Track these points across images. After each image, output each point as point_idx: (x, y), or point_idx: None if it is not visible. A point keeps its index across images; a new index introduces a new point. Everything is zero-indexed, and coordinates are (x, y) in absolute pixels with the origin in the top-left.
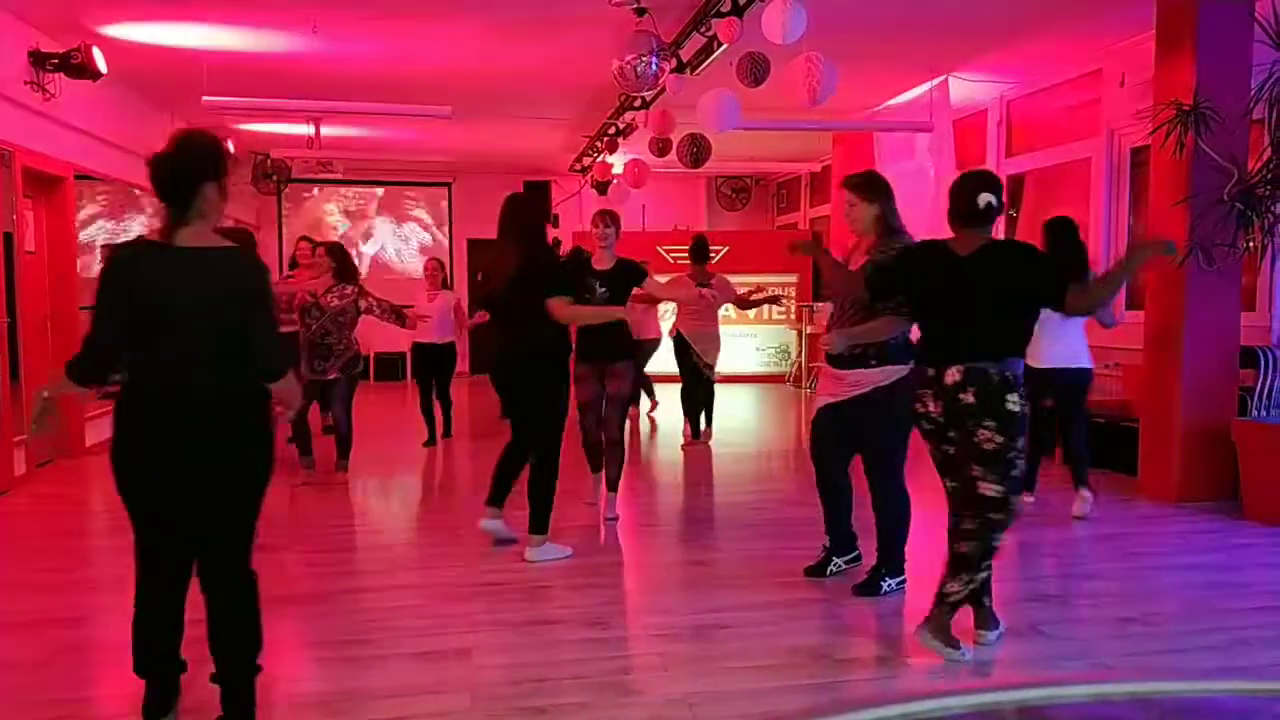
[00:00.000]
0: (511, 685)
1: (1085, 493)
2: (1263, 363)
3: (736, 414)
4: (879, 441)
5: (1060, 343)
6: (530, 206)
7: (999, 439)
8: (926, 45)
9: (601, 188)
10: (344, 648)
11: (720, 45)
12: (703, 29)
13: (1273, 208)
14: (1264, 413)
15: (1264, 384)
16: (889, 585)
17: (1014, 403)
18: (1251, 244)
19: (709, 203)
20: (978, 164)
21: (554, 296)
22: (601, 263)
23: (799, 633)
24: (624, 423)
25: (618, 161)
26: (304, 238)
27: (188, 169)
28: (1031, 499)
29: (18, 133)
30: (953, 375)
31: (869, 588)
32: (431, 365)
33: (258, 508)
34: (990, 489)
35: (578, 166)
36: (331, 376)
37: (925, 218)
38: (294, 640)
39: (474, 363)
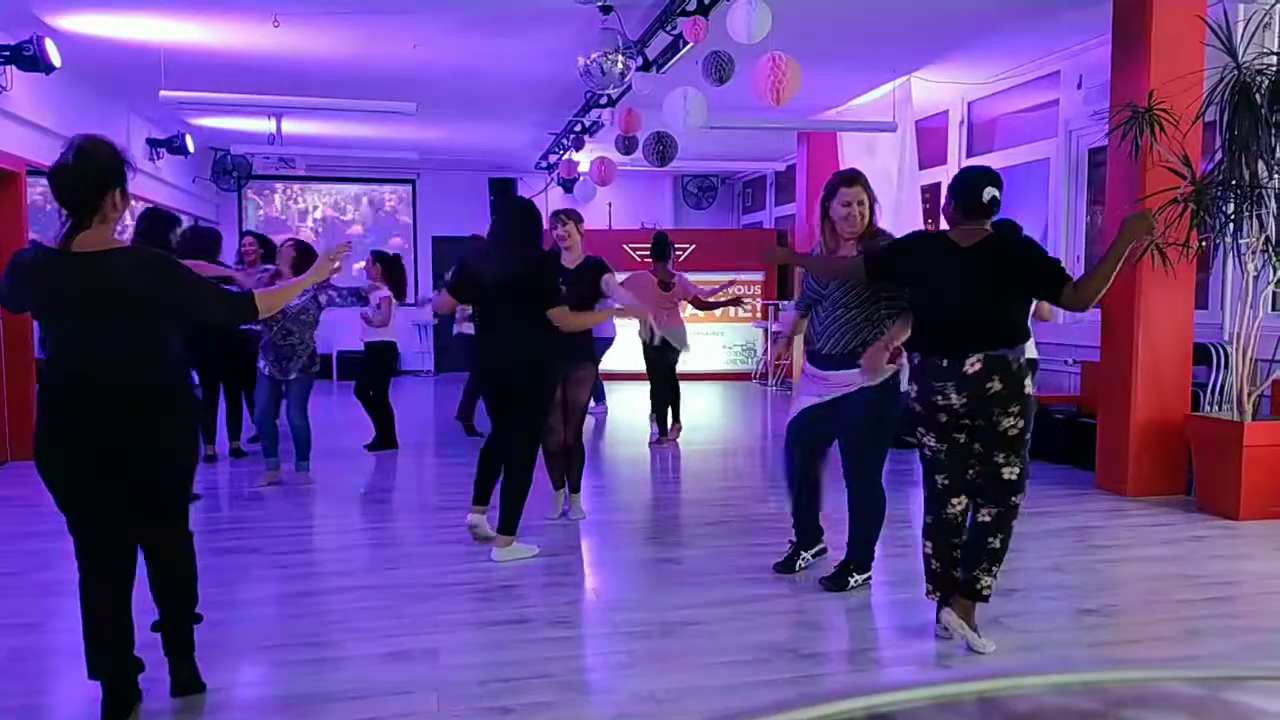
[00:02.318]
0: (478, 685)
1: None
2: (1215, 359)
3: (703, 412)
4: (864, 441)
5: None
6: (527, 209)
7: (1020, 423)
8: (890, 46)
9: (568, 185)
10: (308, 649)
11: (686, 44)
12: (669, 28)
13: (1224, 208)
14: (1216, 408)
15: (1216, 380)
16: (856, 580)
17: (1029, 386)
18: (1204, 243)
19: (675, 201)
20: (940, 164)
21: (555, 306)
22: (568, 261)
23: (766, 629)
24: (582, 428)
25: (584, 159)
26: (248, 232)
27: (92, 178)
28: None
29: None
30: (973, 365)
31: (837, 582)
32: (363, 365)
33: (186, 481)
34: (1011, 472)
35: (544, 164)
36: (292, 377)
37: (888, 218)
38: (258, 642)
39: (438, 361)
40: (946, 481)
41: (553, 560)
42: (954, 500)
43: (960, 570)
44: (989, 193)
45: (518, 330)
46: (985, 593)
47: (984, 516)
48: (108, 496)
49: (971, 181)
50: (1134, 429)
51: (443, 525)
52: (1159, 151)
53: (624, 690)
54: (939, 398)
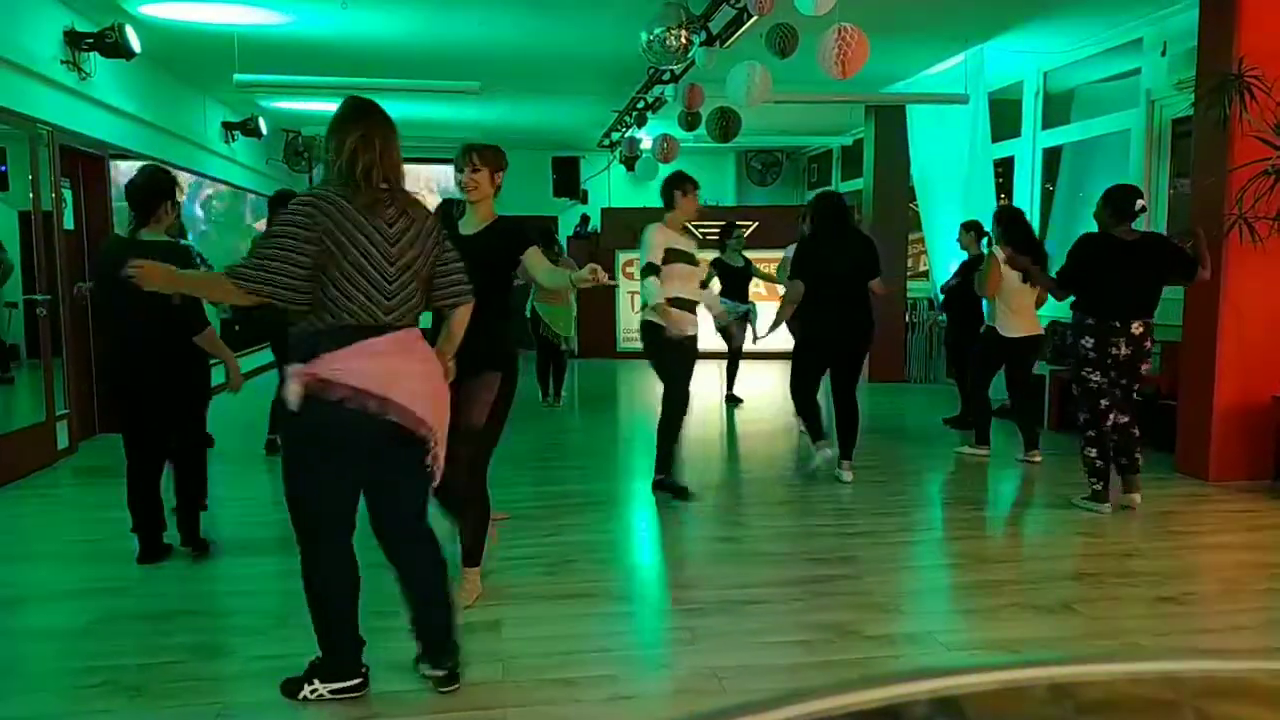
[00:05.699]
0: (541, 657)
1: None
2: None
3: (767, 391)
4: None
5: (1021, 315)
6: (846, 204)
7: (1150, 362)
8: (962, 15)
9: (630, 163)
10: (373, 619)
11: (750, 17)
12: (732, 1)
13: None
14: None
15: None
16: (315, 690)
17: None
18: None
19: (739, 177)
20: (1014, 136)
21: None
22: (468, 224)
23: (828, 609)
24: (484, 472)
25: (647, 136)
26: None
27: (150, 193)
28: (1039, 458)
29: (55, 112)
30: (1138, 327)
31: (290, 688)
32: None
33: (201, 403)
34: (1133, 392)
35: (606, 142)
36: None
37: (959, 192)
38: None
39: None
40: (1107, 403)
41: (613, 536)
42: (1111, 415)
43: (1125, 459)
44: (1140, 204)
45: (861, 305)
46: (1140, 462)
47: (1124, 419)
48: (152, 411)
49: (1127, 197)
50: (1218, 411)
51: (505, 502)
52: (1249, 121)
53: (685, 666)
54: (1113, 348)
